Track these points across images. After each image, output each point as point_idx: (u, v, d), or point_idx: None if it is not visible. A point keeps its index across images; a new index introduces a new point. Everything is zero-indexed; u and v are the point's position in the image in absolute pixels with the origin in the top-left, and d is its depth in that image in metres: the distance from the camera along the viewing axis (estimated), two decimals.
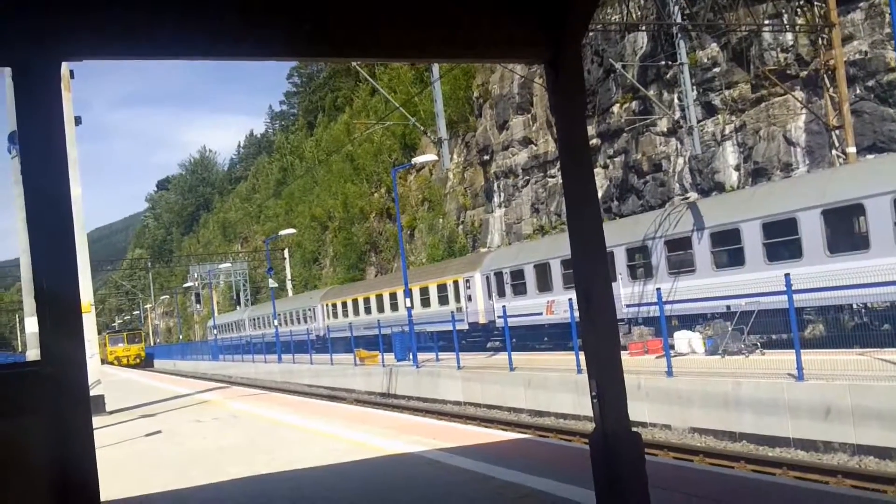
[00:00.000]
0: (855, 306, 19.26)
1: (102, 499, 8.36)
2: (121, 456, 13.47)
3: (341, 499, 8.50)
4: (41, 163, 5.71)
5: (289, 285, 76.56)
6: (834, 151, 25.46)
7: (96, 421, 19.30)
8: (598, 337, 7.10)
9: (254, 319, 68.49)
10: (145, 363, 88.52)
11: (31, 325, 16.41)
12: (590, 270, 7.16)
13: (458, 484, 8.84)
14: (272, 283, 54.17)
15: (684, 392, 16.97)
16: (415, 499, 8.23)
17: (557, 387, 20.90)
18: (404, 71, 59.86)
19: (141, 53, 6.56)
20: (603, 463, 6.89)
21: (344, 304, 48.75)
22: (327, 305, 51.46)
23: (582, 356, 19.88)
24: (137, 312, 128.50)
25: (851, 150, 23.49)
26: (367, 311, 44.91)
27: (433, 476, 9.45)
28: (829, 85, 26.06)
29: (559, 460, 10.03)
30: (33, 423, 5.34)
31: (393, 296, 41.81)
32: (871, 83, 25.84)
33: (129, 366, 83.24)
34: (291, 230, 56.22)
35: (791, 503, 7.22)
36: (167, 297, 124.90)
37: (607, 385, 6.97)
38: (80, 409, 5.52)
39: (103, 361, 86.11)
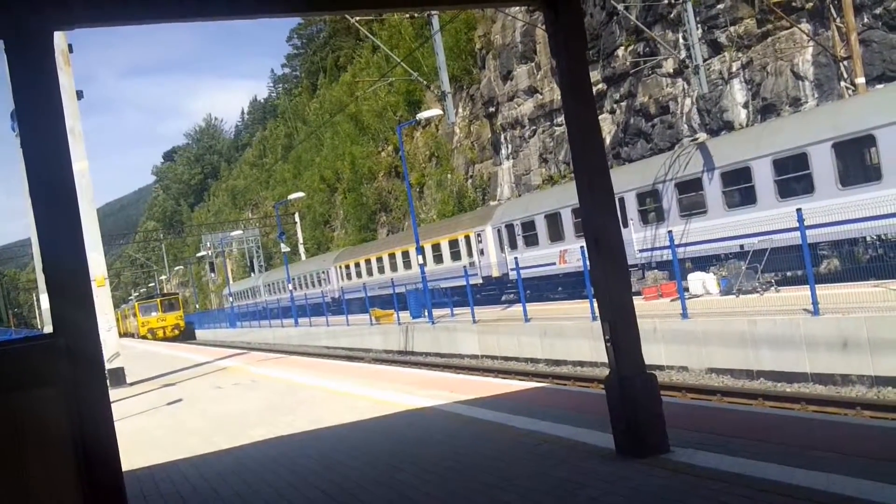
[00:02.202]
0: (869, 238, 19.12)
1: (128, 468, 8.48)
2: (143, 426, 13.62)
3: (364, 454, 8.57)
4: (40, 135, 5.68)
5: (301, 249, 76.75)
6: (843, 83, 25.12)
7: (118, 393, 19.54)
8: (609, 280, 7.10)
9: (269, 285, 68.84)
10: (185, 335, 75.89)
11: (47, 301, 16.50)
12: (598, 214, 7.13)
13: (477, 434, 8.89)
14: (284, 248, 54.30)
15: (700, 333, 16.97)
16: (435, 450, 8.29)
17: (573, 335, 20.94)
18: (404, 26, 59.24)
19: (134, 17, 6.50)
20: (619, 406, 6.93)
21: (357, 265, 48.88)
22: (340, 267, 51.60)
23: (596, 303, 19.90)
24: (153, 284, 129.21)
25: (860, 80, 23.12)
26: (381, 270, 45.03)
27: (453, 428, 9.51)
28: (835, 15, 25.61)
29: (577, 406, 10.07)
30: (51, 394, 5.38)
31: (405, 254, 41.87)
32: (878, 11, 25.38)
33: (166, 339, 70.60)
34: (300, 194, 56.16)
35: (809, 435, 7.22)
36: (181, 267, 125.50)
37: (620, 328, 6.98)
38: (95, 379, 5.56)
39: (124, 334, 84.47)
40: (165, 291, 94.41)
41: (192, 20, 7.03)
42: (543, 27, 40.95)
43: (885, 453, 6.28)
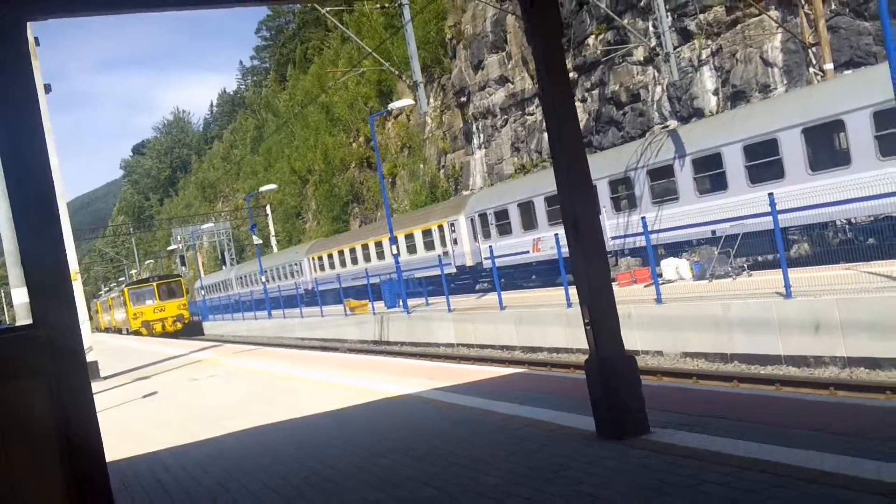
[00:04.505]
0: (839, 223, 19.38)
1: (108, 460, 8.41)
2: (120, 418, 13.52)
3: (345, 442, 8.58)
4: (16, 128, 5.61)
5: (273, 241, 76.33)
6: (811, 69, 25.39)
7: (92, 387, 19.37)
8: (588, 264, 7.14)
9: (241, 277, 68.35)
10: (191, 329, 61.46)
11: (19, 296, 16.34)
12: (576, 198, 7.17)
13: (457, 420, 8.93)
14: (256, 240, 54.00)
15: (675, 318, 17.13)
16: (416, 436, 8.32)
17: (549, 321, 21.05)
18: (374, 17, 59.00)
19: (106, 7, 6.44)
20: (600, 388, 6.99)
21: (330, 256, 48.73)
22: (313, 259, 51.42)
23: (571, 290, 20.03)
24: (123, 279, 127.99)
25: (829, 66, 23.40)
26: (354, 261, 44.93)
27: (433, 414, 9.54)
28: (803, 2, 25.85)
29: (555, 390, 10.15)
30: (32, 386, 5.34)
31: (378, 244, 41.79)
32: None
33: (166, 334, 56.93)
34: (272, 186, 55.83)
35: (785, 414, 7.34)
36: (152, 261, 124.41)
37: (600, 311, 7.04)
38: (76, 370, 5.52)
39: (106, 329, 79.33)
40: (164, 273, 77.29)
41: (166, 9, 6.97)
42: (514, 15, 40.95)
43: (860, 429, 6.40)
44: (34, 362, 5.35)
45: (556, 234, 22.72)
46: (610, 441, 6.85)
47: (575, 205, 7.12)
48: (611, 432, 6.92)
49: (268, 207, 77.75)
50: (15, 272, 16.42)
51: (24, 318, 17.58)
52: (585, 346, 7.20)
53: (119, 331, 68.44)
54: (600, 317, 7.01)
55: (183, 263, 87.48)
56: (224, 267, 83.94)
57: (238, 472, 7.88)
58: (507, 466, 6.63)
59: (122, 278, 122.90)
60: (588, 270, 7.09)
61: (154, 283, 62.73)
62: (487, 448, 7.39)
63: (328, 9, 35.39)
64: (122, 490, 7.76)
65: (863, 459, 5.45)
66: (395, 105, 34.20)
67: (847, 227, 19.47)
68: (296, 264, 54.38)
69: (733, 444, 6.27)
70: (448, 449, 7.60)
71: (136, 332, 59.16)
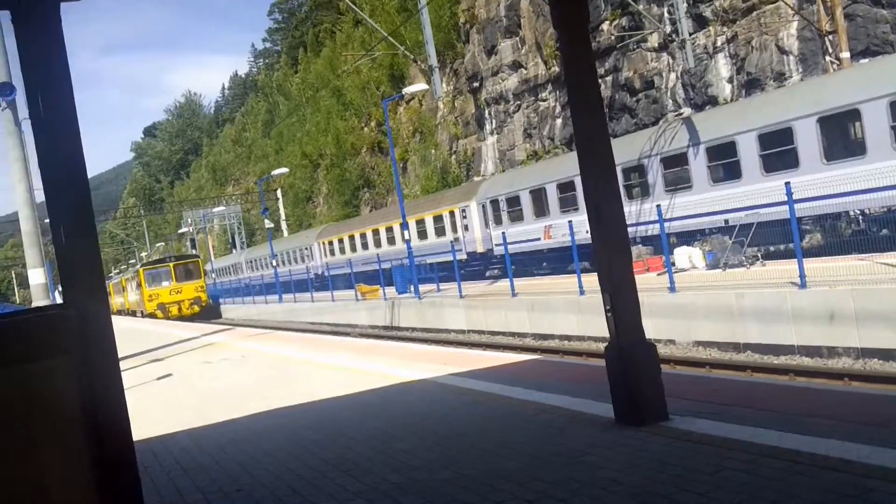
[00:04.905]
0: (852, 213, 19.32)
1: None
2: (135, 399, 13.60)
3: (363, 425, 8.64)
4: (48, 109, 5.63)
5: (283, 225, 76.46)
6: (827, 58, 25.19)
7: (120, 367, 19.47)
8: (609, 252, 7.17)
9: (251, 261, 68.46)
10: (207, 312, 58.04)
11: (36, 276, 16.42)
12: (599, 186, 7.20)
13: (474, 405, 8.98)
14: (268, 224, 54.02)
15: (688, 306, 17.12)
16: (433, 420, 8.37)
17: (561, 309, 21.05)
18: (387, 0, 58.88)
19: None
20: (619, 374, 7.02)
21: (340, 241, 48.80)
22: (324, 243, 51.50)
23: (584, 277, 20.04)
24: (134, 261, 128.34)
25: (845, 55, 23.25)
26: (365, 246, 44.99)
27: (449, 398, 9.59)
28: None
29: (571, 377, 10.19)
30: (62, 365, 5.39)
31: (389, 230, 41.83)
32: None
33: (183, 317, 54.02)
34: (283, 170, 55.82)
35: (803, 403, 7.36)
36: (162, 244, 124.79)
37: (621, 298, 7.07)
38: (105, 350, 5.57)
39: (118, 312, 78.65)
40: (180, 254, 74.08)
41: None
42: (528, 1, 40.80)
43: (878, 419, 6.42)
44: (63, 342, 5.40)
45: (569, 222, 22.71)
46: (629, 427, 6.89)
47: (598, 194, 7.14)
48: (630, 419, 6.95)
49: (279, 191, 77.84)
50: (32, 253, 16.48)
51: (39, 299, 17.69)
52: (598, 333, 7.26)
53: (133, 313, 66.23)
54: (621, 304, 7.04)
55: (193, 246, 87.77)
56: (234, 250, 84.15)
57: (257, 453, 7.95)
58: (527, 451, 6.67)
59: (133, 260, 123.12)
60: (610, 259, 7.11)
61: (171, 264, 58.93)
62: (504, 433, 7.43)
63: None
64: (143, 471, 7.84)
65: (885, 449, 5.46)
66: (409, 90, 34.16)
67: (860, 217, 19.42)
68: (306, 248, 54.47)
69: (752, 432, 6.29)
70: (466, 433, 7.64)
71: (152, 315, 56.76)
